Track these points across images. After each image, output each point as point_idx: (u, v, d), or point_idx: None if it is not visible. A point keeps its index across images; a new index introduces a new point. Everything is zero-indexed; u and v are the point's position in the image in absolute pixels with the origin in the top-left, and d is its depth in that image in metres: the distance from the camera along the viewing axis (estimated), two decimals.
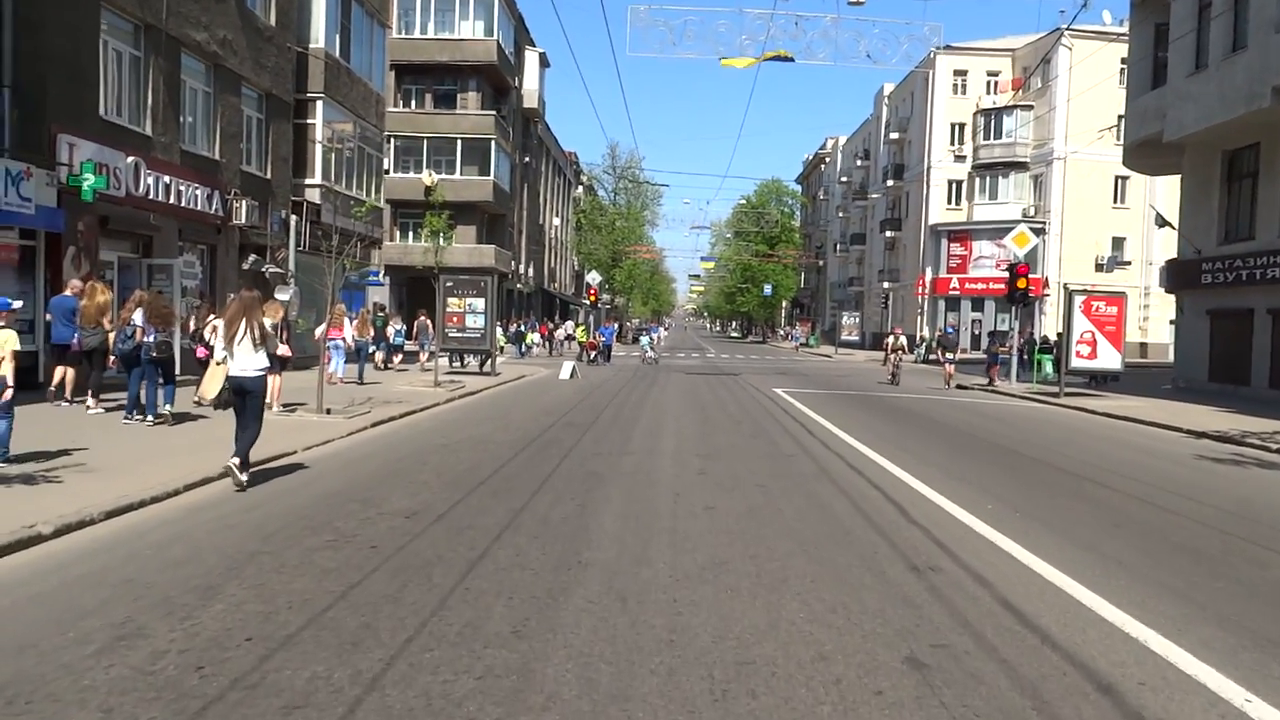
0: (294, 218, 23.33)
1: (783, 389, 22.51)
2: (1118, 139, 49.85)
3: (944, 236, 54.80)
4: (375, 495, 7.88)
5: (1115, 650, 4.37)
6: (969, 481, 9.21)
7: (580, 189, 76.88)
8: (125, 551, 5.88)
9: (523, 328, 45.32)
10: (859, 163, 72.79)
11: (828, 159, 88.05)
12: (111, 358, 12.38)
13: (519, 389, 21.75)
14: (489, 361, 25.62)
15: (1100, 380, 24.81)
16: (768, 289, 79.33)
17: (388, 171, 42.47)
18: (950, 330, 25.83)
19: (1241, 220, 23.47)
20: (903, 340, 27.46)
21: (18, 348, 8.31)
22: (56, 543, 6.05)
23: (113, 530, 6.46)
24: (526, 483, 8.56)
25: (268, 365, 8.48)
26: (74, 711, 3.48)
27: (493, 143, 44.06)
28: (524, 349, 41.80)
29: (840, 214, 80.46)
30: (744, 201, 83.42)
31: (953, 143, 55.17)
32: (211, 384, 12.44)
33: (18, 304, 8.99)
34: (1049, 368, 25.55)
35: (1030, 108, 51.85)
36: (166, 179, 17.67)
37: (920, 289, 54.76)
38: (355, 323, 21.25)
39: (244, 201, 20.50)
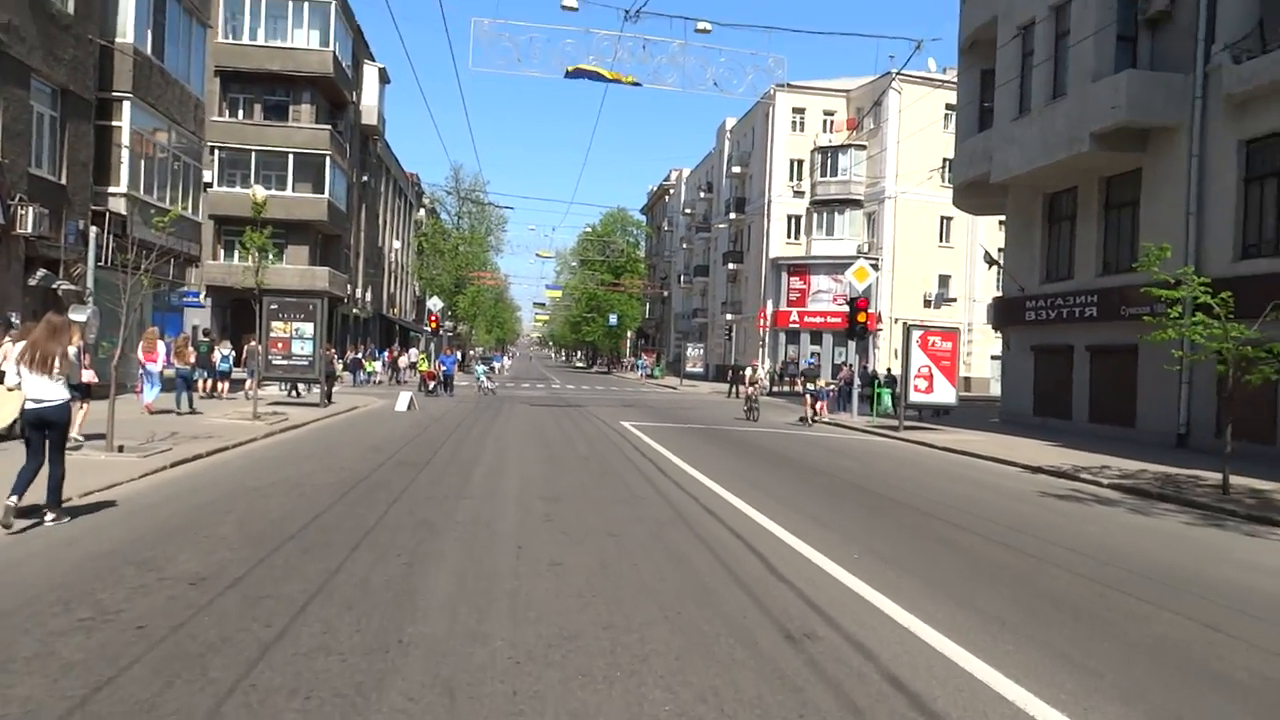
0: (94, 229, 20.93)
1: (630, 422, 21.93)
2: (943, 180, 52.98)
3: (784, 270, 56.19)
4: (158, 555, 6.59)
5: None
6: (831, 526, 8.75)
7: (422, 211, 74.71)
8: None
9: (360, 355, 43.14)
10: (702, 195, 74.05)
11: (672, 190, 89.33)
12: None
13: (350, 422, 20.22)
14: (328, 391, 24.21)
15: (934, 413, 25.58)
16: (613, 319, 79.29)
17: (210, 185, 39.60)
18: (812, 361, 25.80)
19: (1061, 260, 24.77)
20: (760, 374, 26.87)
21: None
22: None
23: None
24: (346, 535, 7.46)
25: (68, 395, 7.80)
26: None
27: (328, 158, 41.92)
28: (362, 377, 39.73)
29: (684, 245, 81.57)
30: (590, 230, 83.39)
31: (792, 178, 56.84)
32: (3, 411, 11.06)
33: None
34: (888, 401, 26.12)
35: (864, 147, 54.09)
36: None
37: (762, 321, 55.87)
38: (173, 348, 19.58)
39: (31, 208, 18.19)
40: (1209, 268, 17.85)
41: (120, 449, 12.02)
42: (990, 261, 27.03)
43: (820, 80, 57.96)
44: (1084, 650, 5.13)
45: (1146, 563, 7.76)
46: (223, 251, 42.30)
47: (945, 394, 23.23)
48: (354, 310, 51.81)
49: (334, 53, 41.66)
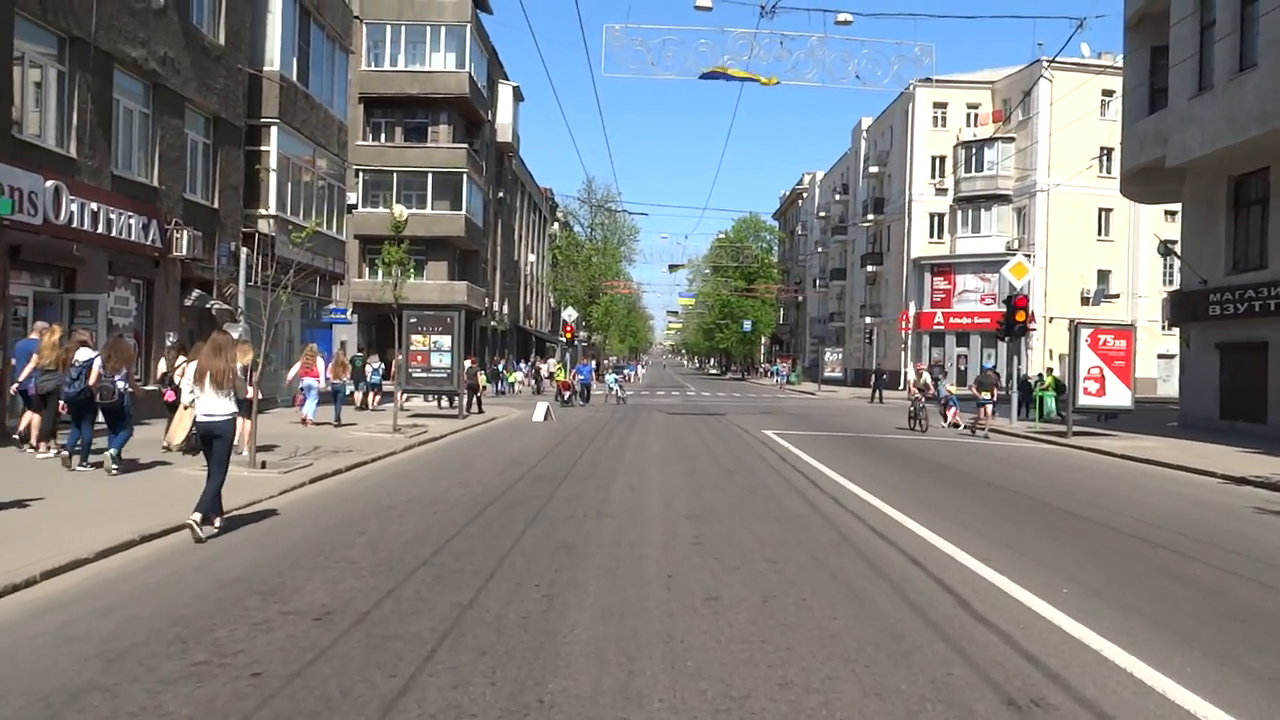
0: (244, 250, 21.58)
1: (774, 431, 20.91)
2: (1102, 170, 49.53)
3: (927, 270, 53.78)
4: (284, 584, 6.15)
5: None
6: (1023, 552, 7.60)
7: (556, 225, 75.60)
8: None
9: (500, 366, 43.70)
10: (837, 197, 72.02)
11: (805, 194, 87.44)
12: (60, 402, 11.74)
13: (488, 433, 20.02)
14: (474, 402, 24.95)
15: (1100, 418, 23.40)
16: (747, 325, 78.06)
17: (355, 206, 40.91)
18: (989, 365, 23.64)
19: (1251, 248, 22.29)
20: (927, 378, 24.41)
21: None
22: None
23: None
24: (481, 561, 6.87)
25: (235, 410, 8.17)
26: None
27: (465, 176, 42.64)
28: (502, 387, 40.22)
29: (819, 249, 79.61)
30: (722, 236, 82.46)
31: (933, 175, 54.37)
32: (179, 428, 11.47)
33: None
34: (1052, 405, 24.14)
35: (1012, 140, 51.17)
36: (94, 206, 15.94)
37: (904, 324, 53.58)
38: (330, 364, 20.36)
39: (185, 232, 18.79)
40: None
41: (263, 465, 11.97)
42: (1166, 252, 24.65)
43: (962, 73, 55.27)
44: None
45: None
46: (367, 269, 43.62)
47: (1119, 396, 21.19)
48: (491, 323, 52.63)
49: (470, 73, 42.38)
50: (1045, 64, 47.47)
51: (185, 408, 8.84)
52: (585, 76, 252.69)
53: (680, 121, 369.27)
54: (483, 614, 5.44)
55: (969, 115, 54.42)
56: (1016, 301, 24.10)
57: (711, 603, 5.74)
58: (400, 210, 41.84)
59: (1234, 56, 20.78)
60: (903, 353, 54.44)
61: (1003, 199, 51.98)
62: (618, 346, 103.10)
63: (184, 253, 18.82)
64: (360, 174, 42.08)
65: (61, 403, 11.63)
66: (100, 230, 16.14)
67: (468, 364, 31.73)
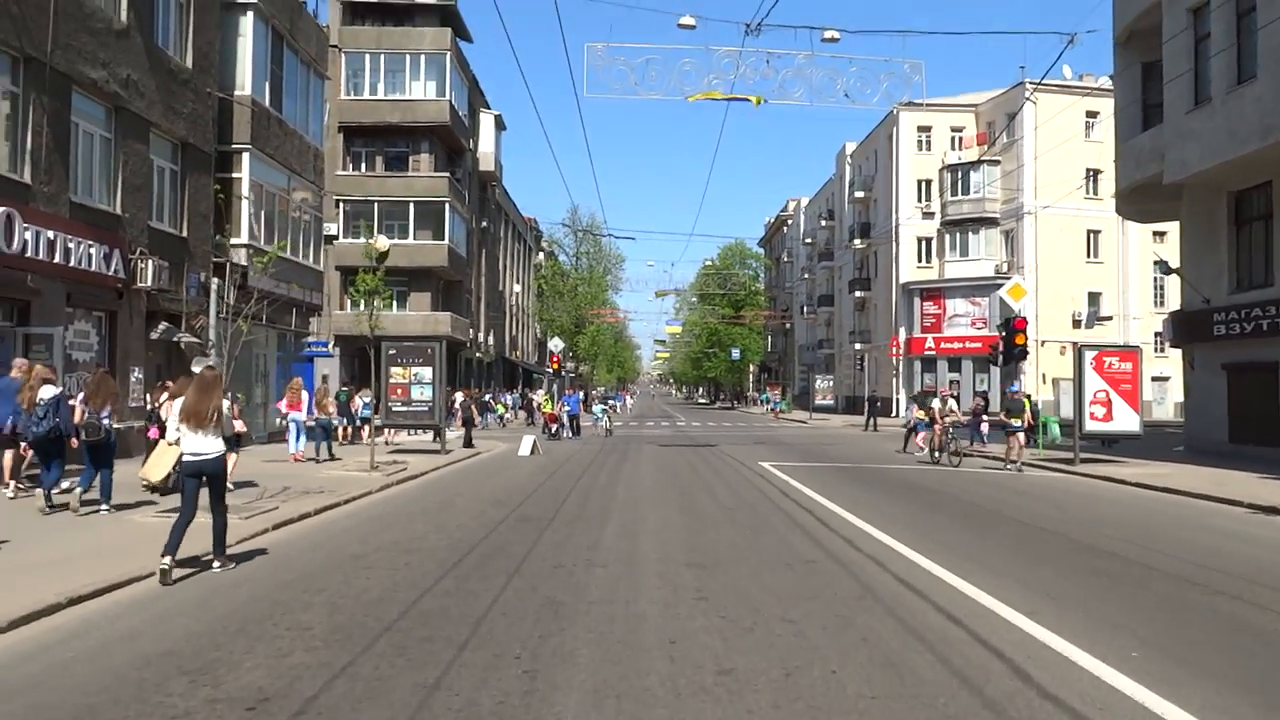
0: (215, 280, 20.66)
1: (771, 463, 20.04)
2: (1089, 192, 49.26)
3: (916, 295, 53.30)
4: (220, 659, 5.23)
5: None
6: (1072, 604, 6.72)
7: (541, 255, 74.95)
8: None
9: (488, 398, 42.76)
10: (823, 223, 71.68)
11: (790, 221, 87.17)
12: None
13: (471, 469, 19.09)
14: (468, 437, 24.86)
15: (1102, 443, 22.62)
16: (735, 353, 77.41)
17: (335, 236, 40.09)
18: (1015, 389, 21.74)
19: (1255, 266, 21.69)
20: (952, 404, 22.14)
21: None
22: None
23: None
24: (454, 626, 5.96)
25: (224, 448, 8.10)
26: None
27: (447, 205, 41.91)
28: (488, 419, 39.31)
29: (805, 275, 79.18)
30: (709, 264, 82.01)
31: (920, 199, 54.03)
32: (159, 464, 10.53)
33: None
34: (1056, 431, 23.39)
35: (997, 162, 50.91)
36: (50, 234, 15.02)
37: (894, 350, 52.98)
38: (313, 398, 19.77)
39: (151, 261, 17.87)
40: None
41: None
42: (1168, 270, 24.03)
43: (946, 97, 55.12)
44: None
45: None
46: (349, 301, 42.68)
47: (1127, 421, 20.42)
48: (476, 354, 51.70)
49: (450, 101, 41.79)
50: (1029, 86, 47.38)
51: (170, 444, 8.63)
52: (566, 103, 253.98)
53: (664, 147, 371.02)
54: (451, 699, 4.53)
55: (953, 138, 54.22)
56: (1015, 324, 23.41)
57: (725, 678, 4.84)
58: (383, 241, 41.04)
59: (1231, 69, 20.30)
60: (894, 379, 53.81)
61: (990, 222, 51.64)
62: (605, 377, 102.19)
63: (149, 283, 17.89)
64: (341, 204, 41.32)
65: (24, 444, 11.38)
66: (57, 260, 15.22)
67: (461, 396, 30.96)
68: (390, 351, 22.06)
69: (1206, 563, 8.45)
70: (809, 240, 77.52)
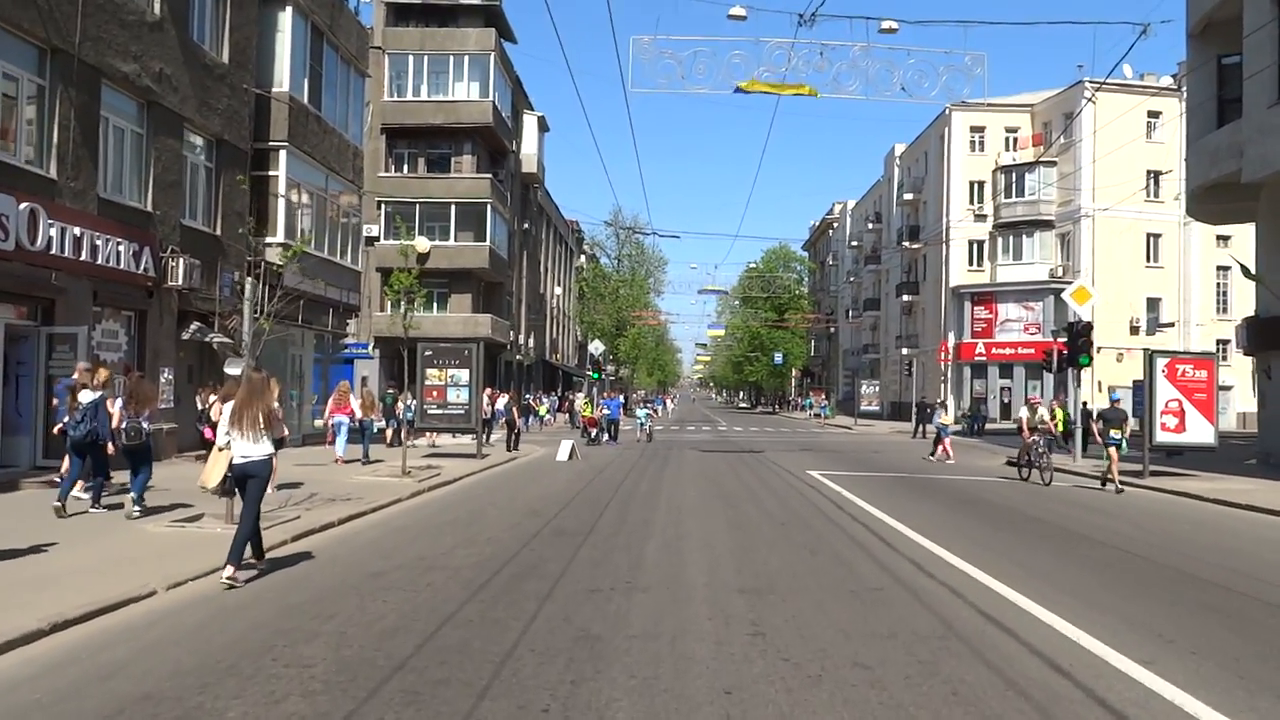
0: (250, 280, 20.17)
1: (819, 471, 19.07)
2: (1150, 195, 47.50)
3: (967, 299, 51.78)
4: (201, 706, 4.52)
5: None
6: (1194, 650, 5.74)
7: (583, 258, 74.40)
8: None
9: (529, 400, 42.24)
10: (870, 226, 70.27)
11: (836, 224, 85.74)
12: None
13: (507, 475, 18.40)
14: (514, 439, 24.74)
15: (1166, 455, 21.28)
16: (778, 357, 76.18)
17: (377, 238, 39.83)
18: (1116, 397, 19.29)
19: None
20: (1044, 414, 19.17)
21: None
22: None
23: None
24: (475, 665, 5.20)
25: (272, 450, 7.98)
26: None
27: (489, 207, 41.43)
28: (531, 422, 38.78)
29: (851, 279, 77.76)
30: (753, 266, 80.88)
31: (972, 201, 52.51)
32: (214, 470, 10.19)
33: None
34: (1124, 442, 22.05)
35: (1054, 164, 49.25)
36: (76, 230, 14.62)
37: (943, 355, 51.50)
38: (361, 402, 20.21)
39: (182, 260, 17.45)
40: None
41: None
42: (1247, 274, 22.62)
43: (1001, 97, 53.51)
44: None
45: None
46: (389, 303, 42.40)
47: (1201, 432, 19.16)
48: (517, 356, 51.22)
49: (493, 102, 41.34)
50: (1089, 85, 45.79)
51: (220, 449, 8.56)
52: (609, 104, 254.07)
53: (708, 151, 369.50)
54: None
55: (1008, 139, 52.61)
56: (1079, 329, 22.23)
57: None
58: (423, 243, 40.66)
59: None
60: (942, 384, 52.31)
61: (1045, 225, 50.03)
62: (646, 380, 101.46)
63: (180, 282, 17.47)
64: (382, 205, 41.06)
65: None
66: (84, 257, 14.82)
67: (505, 399, 30.41)
68: (426, 353, 21.47)
69: None
70: (855, 243, 76.13)
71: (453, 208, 41.64)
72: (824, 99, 20.42)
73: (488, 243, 41.31)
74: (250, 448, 7.82)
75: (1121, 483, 17.18)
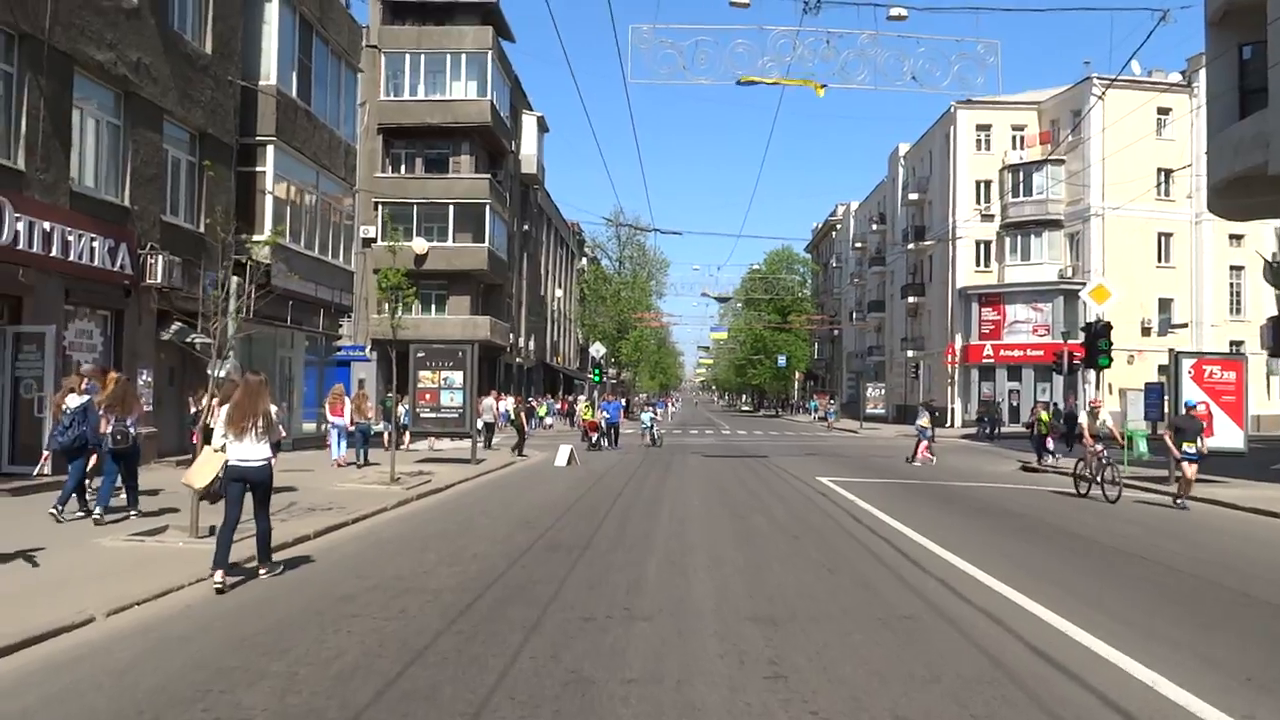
0: (235, 279, 19.36)
1: (830, 478, 18.21)
2: (1160, 193, 46.62)
3: (974, 300, 50.86)
4: None
5: None
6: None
7: (584, 261, 73.57)
8: None
9: (530, 402, 41.45)
10: (874, 227, 69.41)
11: (839, 225, 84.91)
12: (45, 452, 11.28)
13: (502, 482, 17.58)
14: (520, 445, 24.24)
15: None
16: (782, 360, 75.31)
17: (374, 239, 39.06)
18: (1192, 403, 16.16)
19: None
20: (1105, 416, 16.89)
21: None
22: None
23: None
24: (441, 716, 4.37)
25: (270, 454, 7.97)
26: None
27: (487, 207, 40.66)
28: (534, 425, 37.98)
29: (855, 281, 76.88)
30: (756, 269, 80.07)
31: (978, 201, 51.60)
32: (203, 471, 9.61)
33: None
34: (1144, 447, 21.29)
35: (1062, 162, 48.40)
36: (46, 225, 13.84)
37: (950, 357, 50.62)
38: (353, 404, 19.80)
39: (161, 257, 16.65)
40: None
41: (211, 530, 9.58)
42: (1276, 276, 21.81)
43: (1007, 94, 52.61)
44: None
45: None
46: (386, 305, 41.63)
47: (1229, 436, 18.31)
48: (517, 359, 50.43)
49: (491, 101, 40.57)
50: (1096, 81, 44.97)
51: (216, 450, 8.31)
52: (610, 105, 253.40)
53: (710, 151, 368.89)
54: None
55: (1014, 137, 51.73)
56: (1097, 328, 21.41)
57: None
58: (420, 243, 39.90)
59: None
60: (949, 387, 51.45)
61: (1054, 224, 49.15)
62: (648, 383, 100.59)
63: (160, 280, 16.67)
64: (380, 206, 40.31)
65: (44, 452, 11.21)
66: (54, 253, 14.03)
67: (511, 403, 29.61)
68: (419, 354, 20.69)
69: None
70: (859, 244, 75.28)
71: (451, 208, 40.88)
72: (829, 95, 19.61)
73: (486, 244, 40.55)
74: (247, 450, 7.73)
75: (1150, 490, 16.34)
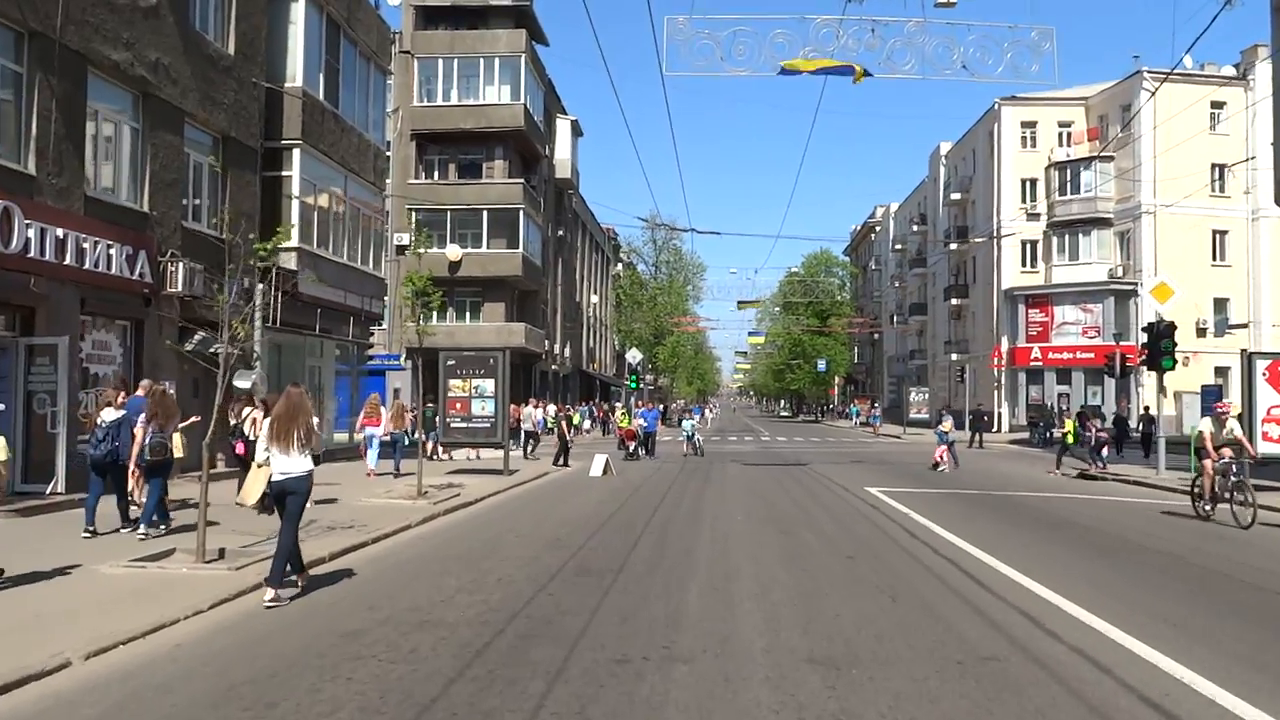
0: (261, 287, 18.87)
1: (877, 488, 17.23)
2: (1215, 190, 44.94)
3: (1020, 302, 49.35)
4: None
5: None
6: None
7: (620, 266, 72.90)
8: None
9: (570, 412, 40.78)
10: (915, 228, 67.96)
11: (878, 228, 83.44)
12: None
13: (534, 494, 16.83)
14: (563, 454, 23.53)
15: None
16: (822, 364, 74.01)
17: (408, 247, 38.64)
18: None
19: None
20: (1234, 426, 13.78)
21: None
22: None
23: None
24: None
25: (311, 467, 7.86)
26: None
27: (521, 212, 40.08)
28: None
29: (896, 284, 75.39)
30: (793, 272, 78.89)
31: (1024, 200, 50.11)
32: (254, 487, 10.38)
33: None
34: None
35: (1111, 159, 46.79)
36: (59, 232, 13.35)
37: (996, 360, 49.12)
38: (390, 414, 19.89)
39: (182, 265, 16.15)
40: None
41: (221, 553, 8.96)
42: None
43: (1052, 90, 51.04)
44: None
45: None
46: (422, 314, 41.17)
47: None
48: (553, 366, 49.83)
49: (525, 105, 40.03)
50: (1148, 75, 43.43)
51: (260, 465, 8.39)
52: (646, 109, 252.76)
53: (746, 156, 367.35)
54: None
55: (1061, 134, 50.19)
56: (1161, 329, 20.24)
57: None
58: (454, 250, 39.44)
59: None
60: (996, 391, 49.96)
61: (1103, 223, 47.55)
62: (685, 389, 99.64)
63: (180, 288, 16.17)
64: (413, 213, 39.94)
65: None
66: (68, 261, 13.54)
67: (553, 410, 28.95)
68: (449, 362, 20.03)
69: None
70: (899, 246, 73.84)
71: (485, 214, 40.38)
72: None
73: (521, 249, 39.99)
74: (289, 463, 7.70)
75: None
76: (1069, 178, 48.09)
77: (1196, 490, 13.71)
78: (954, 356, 56.54)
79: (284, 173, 20.46)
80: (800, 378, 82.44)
